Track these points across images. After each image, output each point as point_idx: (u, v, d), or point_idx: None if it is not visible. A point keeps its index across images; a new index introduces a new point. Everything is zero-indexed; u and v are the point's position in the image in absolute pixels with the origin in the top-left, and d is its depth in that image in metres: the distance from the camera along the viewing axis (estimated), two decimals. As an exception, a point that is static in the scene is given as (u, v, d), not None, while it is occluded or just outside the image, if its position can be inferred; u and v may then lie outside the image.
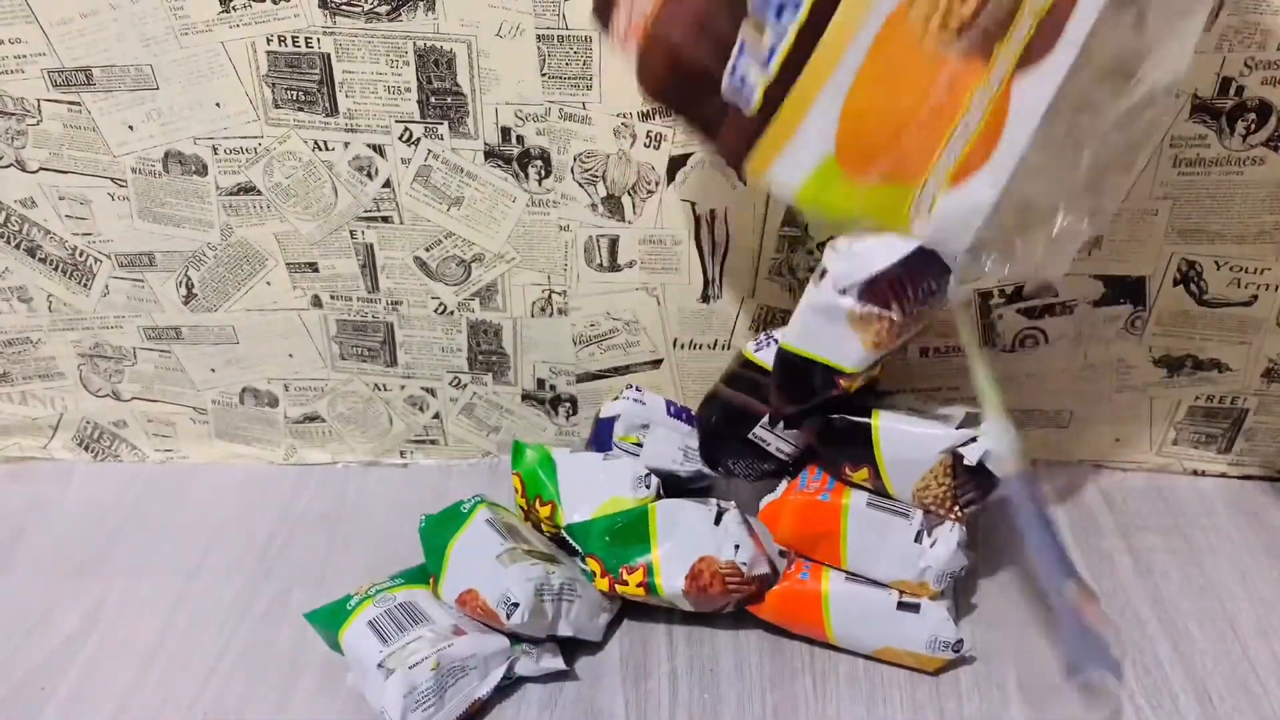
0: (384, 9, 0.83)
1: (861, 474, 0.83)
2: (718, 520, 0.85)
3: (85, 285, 1.01)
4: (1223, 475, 1.02)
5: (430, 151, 0.90)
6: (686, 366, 1.03)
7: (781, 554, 0.90)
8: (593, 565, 0.85)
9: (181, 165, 0.93)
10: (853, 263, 0.71)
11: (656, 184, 0.90)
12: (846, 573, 0.84)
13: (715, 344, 1.01)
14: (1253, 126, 0.83)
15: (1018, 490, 0.73)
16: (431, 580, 0.86)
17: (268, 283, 0.99)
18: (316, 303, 1.01)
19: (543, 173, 0.91)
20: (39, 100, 0.90)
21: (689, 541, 0.84)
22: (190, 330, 1.04)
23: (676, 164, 0.89)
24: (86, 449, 1.14)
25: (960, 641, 0.80)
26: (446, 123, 0.89)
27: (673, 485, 0.93)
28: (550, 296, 0.99)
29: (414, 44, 0.85)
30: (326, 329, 1.03)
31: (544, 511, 0.91)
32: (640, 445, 0.95)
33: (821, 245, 0.92)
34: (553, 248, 0.95)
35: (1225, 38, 0.79)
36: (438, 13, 0.83)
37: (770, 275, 0.95)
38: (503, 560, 0.81)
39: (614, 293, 0.98)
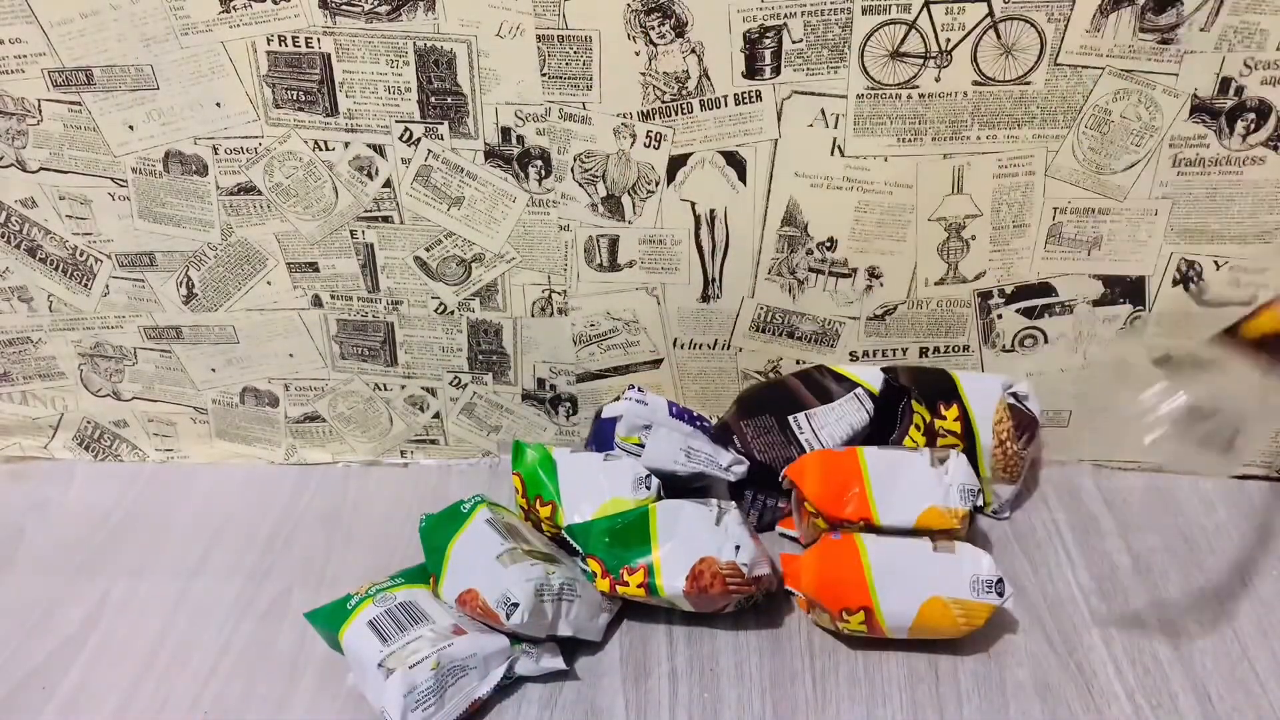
0: (384, 9, 0.83)
1: (953, 411, 0.94)
2: (718, 521, 0.85)
3: (86, 285, 1.01)
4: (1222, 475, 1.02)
5: (430, 151, 0.90)
6: (686, 366, 1.03)
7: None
8: (593, 566, 0.85)
9: (182, 165, 0.93)
10: None
11: (656, 184, 0.90)
12: (877, 530, 0.86)
13: (715, 344, 1.01)
14: (1252, 126, 0.83)
15: None
16: (431, 580, 0.86)
17: (268, 282, 1.00)
18: (317, 302, 1.01)
19: (543, 173, 0.91)
20: (39, 100, 0.90)
21: (690, 542, 0.84)
22: (191, 330, 1.04)
23: (676, 164, 0.89)
24: (87, 449, 1.14)
25: (1001, 581, 0.81)
26: (447, 123, 0.89)
27: (673, 486, 0.94)
28: (550, 296, 0.99)
29: (414, 44, 0.85)
30: (327, 329, 1.03)
31: (544, 512, 0.91)
32: (642, 446, 0.95)
33: (822, 245, 0.93)
34: (553, 247, 0.95)
35: (1225, 38, 0.79)
36: (438, 13, 0.83)
37: (770, 275, 0.95)
38: (503, 560, 0.81)
39: (614, 292, 0.98)
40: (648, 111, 0.86)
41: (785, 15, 0.81)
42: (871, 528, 0.87)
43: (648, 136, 0.88)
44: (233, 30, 0.85)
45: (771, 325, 0.99)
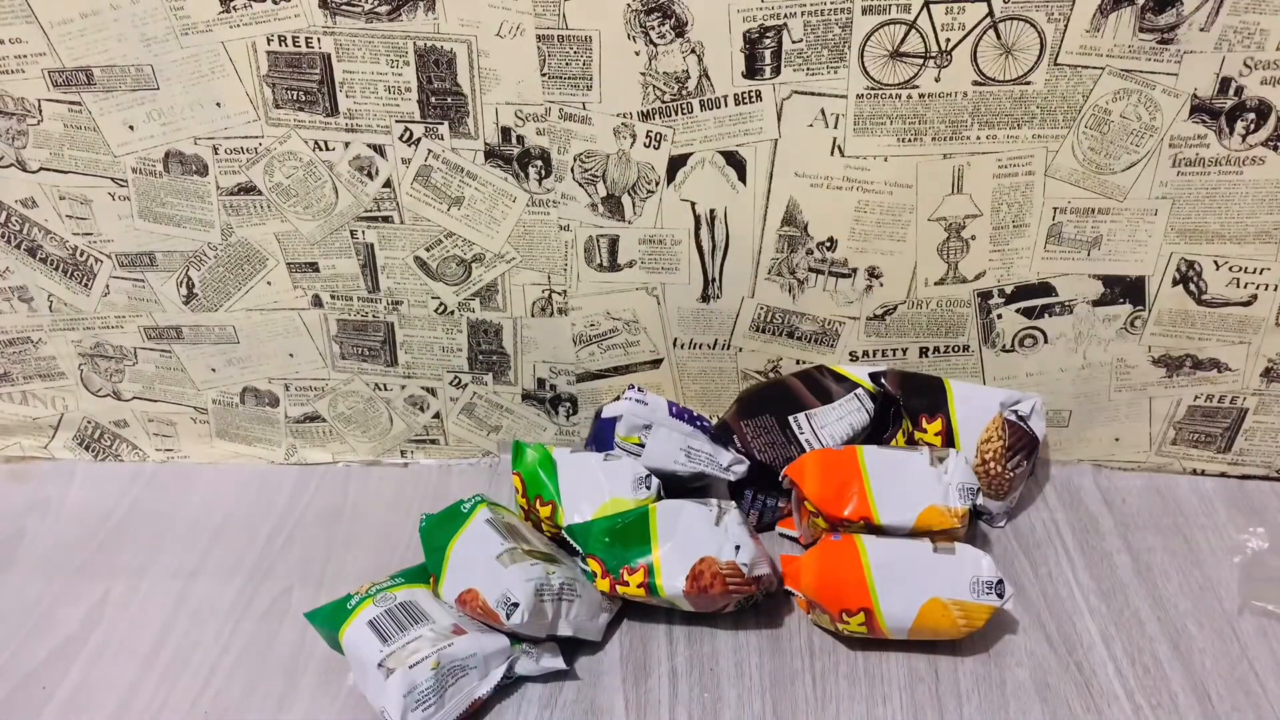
0: (384, 9, 0.83)
1: (935, 425, 0.94)
2: (718, 521, 0.86)
3: (86, 285, 1.01)
4: (1222, 475, 1.02)
5: (430, 151, 0.90)
6: (686, 366, 1.03)
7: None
8: (593, 566, 0.85)
9: (182, 165, 0.93)
10: None
11: (656, 184, 0.90)
12: (877, 529, 0.86)
13: (715, 344, 1.01)
14: (1252, 126, 0.83)
15: None
16: (432, 580, 0.86)
17: (268, 282, 1.00)
18: (317, 302, 1.01)
19: (543, 172, 0.91)
20: (40, 100, 0.90)
21: (689, 542, 0.84)
22: (191, 330, 1.04)
23: (676, 164, 0.89)
24: (87, 449, 1.14)
25: (1001, 583, 0.81)
26: (447, 123, 0.89)
27: (673, 486, 0.94)
28: (550, 296, 0.99)
29: (414, 44, 0.85)
30: (327, 329, 1.03)
31: (544, 511, 0.91)
32: (642, 446, 0.95)
33: (822, 245, 0.93)
34: (553, 247, 0.95)
35: (1225, 38, 0.79)
36: (438, 13, 0.83)
37: (770, 275, 0.95)
38: (503, 560, 0.81)
39: (614, 292, 0.98)
40: (648, 111, 0.87)
41: (785, 15, 0.81)
42: (872, 527, 0.87)
43: (648, 136, 0.88)
44: (233, 30, 0.85)
45: (771, 325, 0.99)
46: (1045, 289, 0.94)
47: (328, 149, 0.91)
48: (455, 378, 1.06)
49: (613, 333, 1.01)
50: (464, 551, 0.84)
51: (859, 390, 0.96)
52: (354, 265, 0.98)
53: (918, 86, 0.83)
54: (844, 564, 0.83)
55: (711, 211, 0.92)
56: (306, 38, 0.85)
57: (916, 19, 0.80)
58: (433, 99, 0.87)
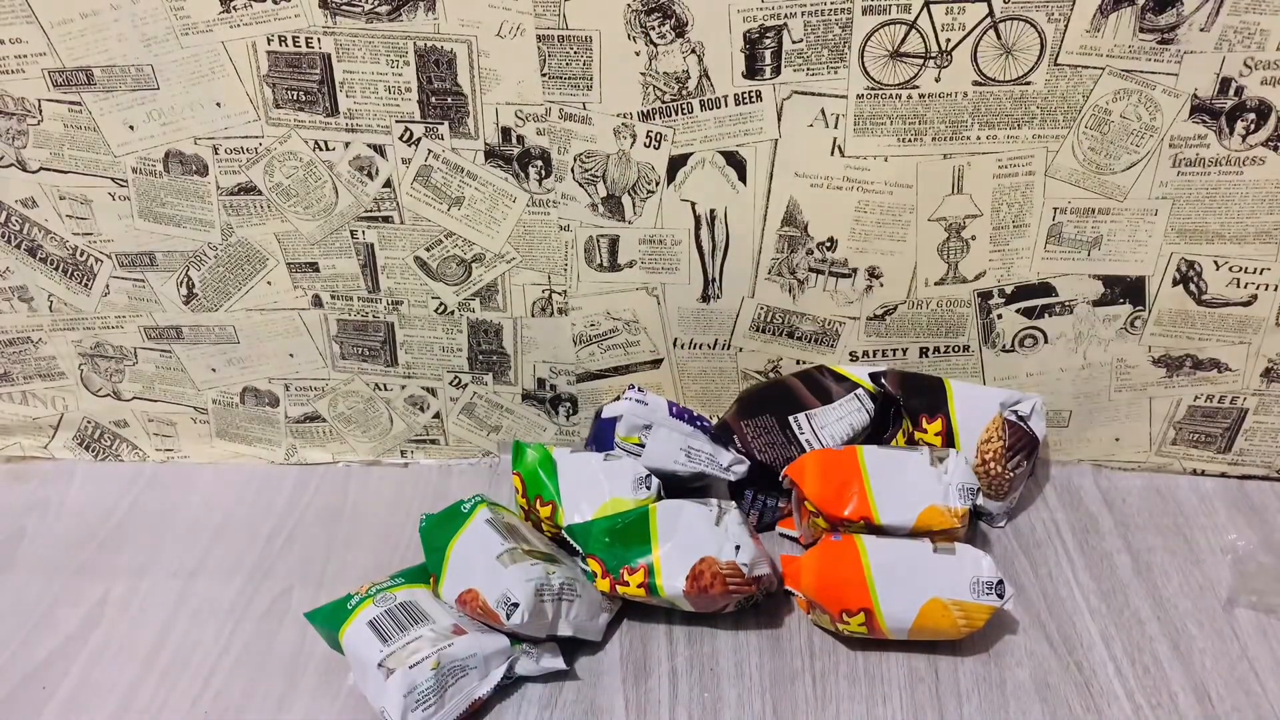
0: (384, 9, 0.83)
1: (936, 425, 0.94)
2: (718, 521, 0.86)
3: (86, 285, 1.01)
4: (1222, 475, 1.02)
5: (430, 151, 0.90)
6: (687, 366, 1.03)
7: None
8: (593, 566, 0.85)
9: (182, 165, 0.93)
10: None
11: (656, 184, 0.90)
12: (878, 529, 0.87)
13: (715, 344, 1.01)
14: (1252, 126, 0.83)
15: None
16: (432, 580, 0.86)
17: (268, 282, 1.00)
18: (317, 302, 1.01)
19: (543, 173, 0.91)
20: (40, 100, 0.90)
21: (690, 542, 0.84)
22: (191, 330, 1.04)
23: (676, 164, 0.89)
24: (87, 448, 1.14)
25: (1001, 583, 0.81)
26: (447, 123, 0.89)
27: (673, 486, 0.94)
28: (550, 296, 0.99)
29: (414, 44, 0.85)
30: (327, 329, 1.03)
31: (544, 511, 0.91)
32: (642, 446, 0.95)
33: (822, 245, 0.93)
34: (553, 247, 0.95)
35: (1225, 38, 0.79)
36: (438, 13, 0.83)
37: (770, 275, 0.95)
38: (502, 560, 0.81)
39: (614, 292, 0.98)
40: (648, 111, 0.87)
41: (785, 15, 0.81)
42: (872, 527, 0.87)
43: (648, 136, 0.88)
44: (233, 30, 0.85)
45: (771, 325, 0.99)
46: (1045, 289, 0.94)
47: (328, 149, 0.91)
48: (455, 378, 1.06)
49: (613, 333, 1.01)
50: (464, 551, 0.84)
51: (859, 390, 0.96)
52: (354, 265, 0.98)
53: (918, 87, 0.83)
54: (844, 564, 0.83)
55: (712, 211, 0.92)
56: (307, 38, 0.85)
57: (917, 19, 0.80)
58: (433, 99, 0.87)
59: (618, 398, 0.99)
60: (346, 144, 0.91)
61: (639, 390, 0.98)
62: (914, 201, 0.90)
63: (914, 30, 0.81)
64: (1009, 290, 0.95)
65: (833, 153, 0.87)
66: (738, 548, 0.83)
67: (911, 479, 0.88)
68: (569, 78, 0.85)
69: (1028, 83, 0.83)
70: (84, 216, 0.97)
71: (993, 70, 0.82)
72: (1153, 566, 0.92)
